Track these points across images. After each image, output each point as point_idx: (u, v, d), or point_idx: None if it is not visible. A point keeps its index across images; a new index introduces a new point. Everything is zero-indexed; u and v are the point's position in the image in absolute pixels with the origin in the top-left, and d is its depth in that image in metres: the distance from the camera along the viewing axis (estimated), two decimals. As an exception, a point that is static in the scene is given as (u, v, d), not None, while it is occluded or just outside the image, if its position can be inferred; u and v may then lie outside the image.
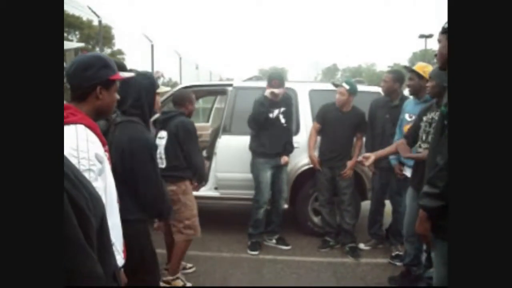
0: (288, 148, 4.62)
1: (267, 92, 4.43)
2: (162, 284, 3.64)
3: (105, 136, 2.12)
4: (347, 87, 4.44)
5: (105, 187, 1.67)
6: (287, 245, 4.69)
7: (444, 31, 2.12)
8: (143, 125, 2.41)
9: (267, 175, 4.52)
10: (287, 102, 4.62)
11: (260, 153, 4.53)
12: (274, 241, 4.74)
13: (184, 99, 3.76)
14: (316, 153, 4.67)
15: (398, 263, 4.13)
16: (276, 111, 4.50)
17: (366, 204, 4.90)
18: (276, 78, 4.48)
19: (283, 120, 4.54)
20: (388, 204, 4.58)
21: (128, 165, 2.29)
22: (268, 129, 4.49)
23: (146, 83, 2.49)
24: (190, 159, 3.53)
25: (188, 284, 3.70)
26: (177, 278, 3.67)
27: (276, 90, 4.39)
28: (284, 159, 4.56)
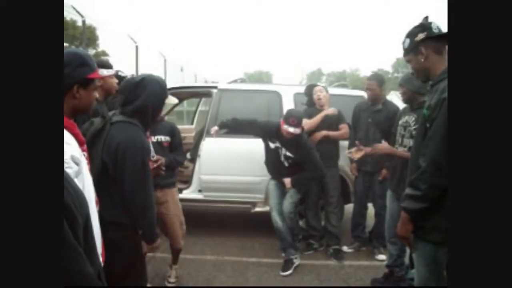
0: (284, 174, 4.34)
1: (282, 129, 4.02)
2: None
3: (100, 134, 2.07)
4: (322, 85, 4.65)
5: (83, 188, 1.63)
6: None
7: (407, 53, 2.20)
8: (141, 129, 2.27)
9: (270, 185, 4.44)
10: (298, 146, 4.12)
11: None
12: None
13: None
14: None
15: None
16: (276, 144, 4.22)
17: (349, 207, 4.93)
18: (294, 116, 3.98)
19: (282, 159, 4.23)
20: (371, 207, 4.62)
21: (119, 166, 2.15)
22: (268, 154, 4.37)
23: (157, 90, 2.34)
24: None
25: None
26: None
27: (291, 130, 3.95)
28: (286, 181, 4.26)
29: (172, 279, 3.80)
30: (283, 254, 4.30)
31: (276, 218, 4.28)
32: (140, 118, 2.28)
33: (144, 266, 2.47)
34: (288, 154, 4.17)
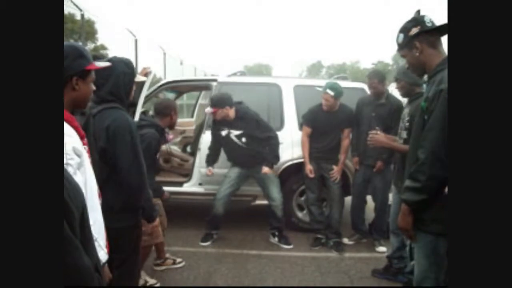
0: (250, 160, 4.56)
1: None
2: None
3: (85, 130, 2.10)
4: (332, 93, 4.36)
5: (85, 181, 1.64)
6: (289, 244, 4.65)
7: (401, 48, 2.19)
8: (124, 110, 2.35)
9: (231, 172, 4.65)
10: (248, 122, 4.40)
11: None
12: (276, 238, 4.71)
13: (168, 108, 3.58)
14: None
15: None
16: (226, 130, 4.46)
17: (349, 200, 4.94)
18: (211, 98, 4.50)
19: (236, 140, 4.45)
20: (370, 199, 4.63)
21: (111, 151, 2.23)
22: (224, 145, 4.62)
23: (125, 70, 2.40)
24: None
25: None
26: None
27: (207, 109, 4.47)
28: (264, 169, 4.45)
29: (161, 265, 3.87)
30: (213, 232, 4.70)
31: (221, 207, 4.58)
32: (116, 99, 2.33)
33: (139, 253, 2.55)
34: (237, 132, 4.42)
